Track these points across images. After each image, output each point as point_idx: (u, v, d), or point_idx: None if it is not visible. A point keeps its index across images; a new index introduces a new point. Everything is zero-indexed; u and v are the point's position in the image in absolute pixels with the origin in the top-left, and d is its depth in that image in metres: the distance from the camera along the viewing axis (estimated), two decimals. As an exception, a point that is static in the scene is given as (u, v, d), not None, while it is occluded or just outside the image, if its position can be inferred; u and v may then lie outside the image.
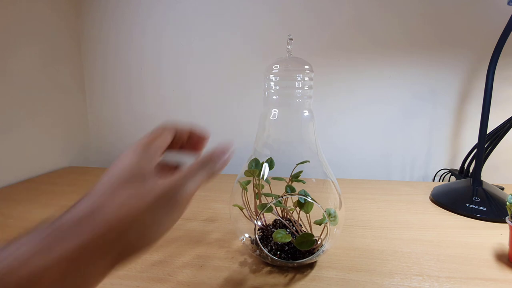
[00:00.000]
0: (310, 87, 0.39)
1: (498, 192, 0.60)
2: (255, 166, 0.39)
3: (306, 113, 0.40)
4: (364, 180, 0.77)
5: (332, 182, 0.40)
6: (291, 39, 0.39)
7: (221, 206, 0.59)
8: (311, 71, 0.39)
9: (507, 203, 0.40)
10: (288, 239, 0.34)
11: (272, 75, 0.38)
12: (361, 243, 0.45)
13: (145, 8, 0.86)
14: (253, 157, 0.40)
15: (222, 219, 0.53)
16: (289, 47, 0.39)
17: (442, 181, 0.81)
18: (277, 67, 0.38)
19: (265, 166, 0.38)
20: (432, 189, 0.67)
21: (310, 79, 0.39)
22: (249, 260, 0.40)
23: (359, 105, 0.83)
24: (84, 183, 0.73)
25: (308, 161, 0.39)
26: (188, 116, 0.91)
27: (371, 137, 0.85)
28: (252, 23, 0.83)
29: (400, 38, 0.78)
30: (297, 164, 0.39)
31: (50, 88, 0.82)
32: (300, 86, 0.38)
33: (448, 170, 0.80)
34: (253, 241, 0.40)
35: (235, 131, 0.89)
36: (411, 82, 0.80)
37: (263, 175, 0.38)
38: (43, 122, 0.80)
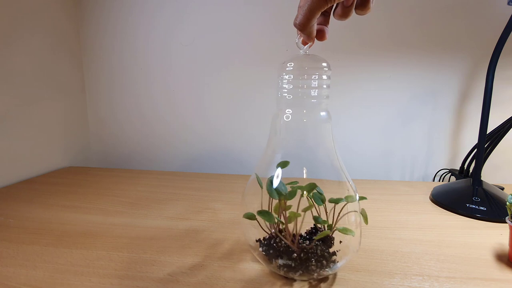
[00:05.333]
0: (328, 86, 0.36)
1: (498, 192, 0.60)
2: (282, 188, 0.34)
3: (323, 114, 0.37)
4: (364, 180, 0.77)
5: (352, 188, 0.37)
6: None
7: (221, 206, 0.59)
8: (329, 69, 0.36)
9: (507, 203, 0.40)
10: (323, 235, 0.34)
11: (286, 74, 0.35)
12: (361, 243, 0.45)
13: (148, 7, 0.87)
14: (268, 161, 0.37)
15: (222, 219, 0.53)
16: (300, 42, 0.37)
17: (442, 181, 0.81)
18: (291, 64, 0.35)
19: (279, 173, 0.35)
20: (432, 189, 0.67)
21: (328, 77, 0.36)
22: (250, 260, 0.40)
23: (359, 105, 0.83)
24: (84, 183, 0.73)
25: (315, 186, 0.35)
26: (189, 116, 0.91)
27: (371, 137, 0.85)
28: (252, 24, 0.83)
29: (400, 38, 0.78)
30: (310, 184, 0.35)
31: (50, 87, 0.82)
32: (317, 85, 0.35)
33: (448, 170, 0.80)
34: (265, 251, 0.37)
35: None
36: (411, 82, 0.80)
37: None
38: (43, 121, 0.80)
